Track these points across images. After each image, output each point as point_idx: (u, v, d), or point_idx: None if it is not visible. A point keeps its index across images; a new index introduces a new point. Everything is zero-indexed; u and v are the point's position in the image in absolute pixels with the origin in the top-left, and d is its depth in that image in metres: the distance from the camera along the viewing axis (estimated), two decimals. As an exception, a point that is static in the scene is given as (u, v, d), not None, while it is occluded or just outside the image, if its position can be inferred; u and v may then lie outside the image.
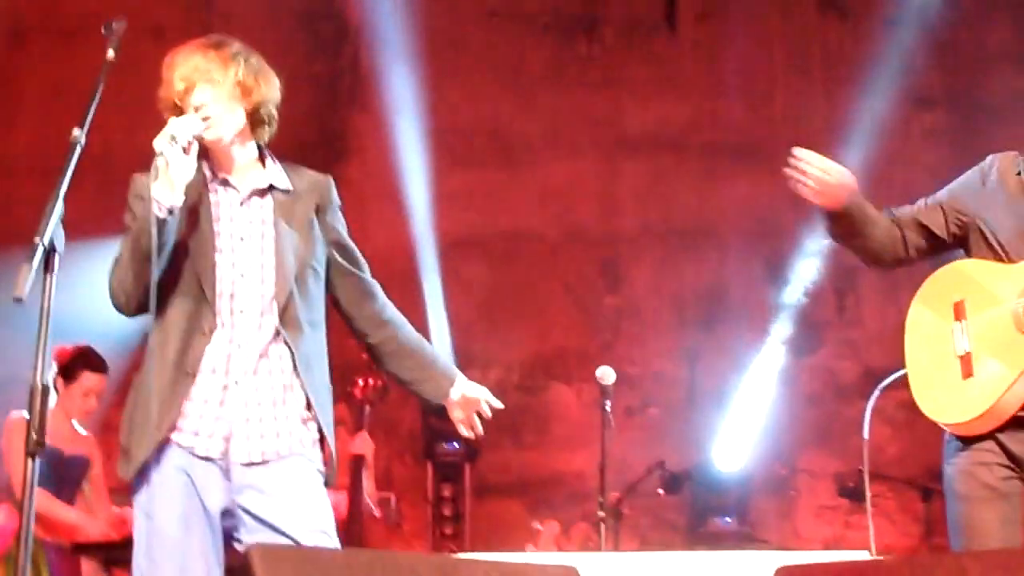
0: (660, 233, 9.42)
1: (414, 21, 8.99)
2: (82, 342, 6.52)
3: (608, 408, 7.20)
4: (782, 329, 9.14)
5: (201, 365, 3.87)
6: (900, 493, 8.35)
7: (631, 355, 9.22)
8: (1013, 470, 4.01)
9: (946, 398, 4.10)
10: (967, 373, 4.07)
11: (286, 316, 3.94)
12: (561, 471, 9.03)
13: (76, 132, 3.58)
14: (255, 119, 4.03)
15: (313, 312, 4.02)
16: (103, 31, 3.79)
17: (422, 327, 7.67)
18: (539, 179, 9.40)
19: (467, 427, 4.16)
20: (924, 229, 4.29)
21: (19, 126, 9.27)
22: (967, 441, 4.05)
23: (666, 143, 9.47)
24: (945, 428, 4.12)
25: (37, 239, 3.34)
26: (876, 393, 4.24)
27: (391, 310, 4.19)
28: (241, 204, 4.00)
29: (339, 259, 4.11)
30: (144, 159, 3.76)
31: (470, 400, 4.14)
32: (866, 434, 4.28)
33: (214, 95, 3.94)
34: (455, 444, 8.66)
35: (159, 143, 3.75)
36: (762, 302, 9.24)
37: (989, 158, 4.29)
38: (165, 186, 3.76)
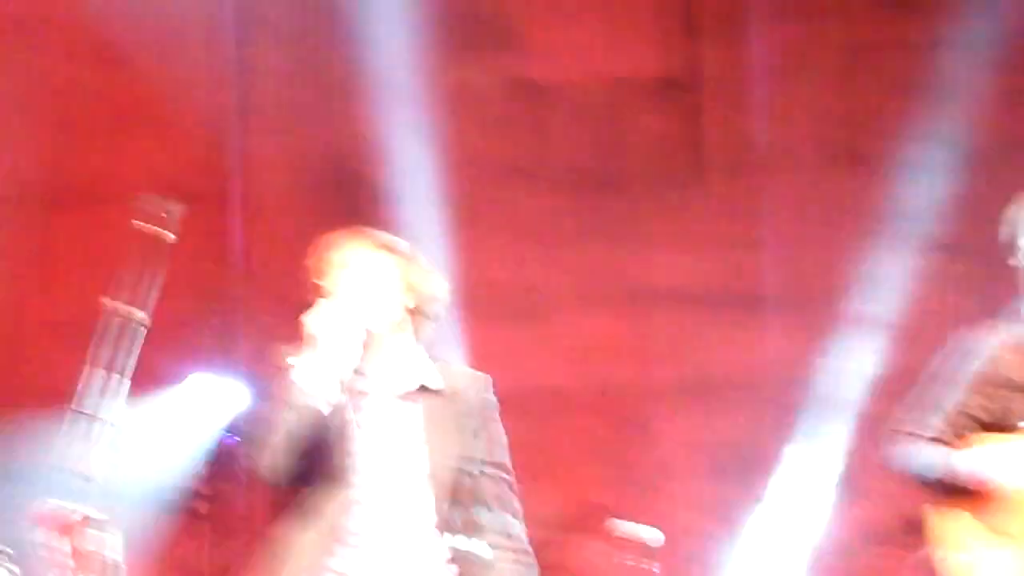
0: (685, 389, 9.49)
1: (439, 180, 9.15)
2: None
3: (649, 567, 7.27)
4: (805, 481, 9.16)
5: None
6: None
7: (658, 511, 9.21)
8: None
9: None
10: None
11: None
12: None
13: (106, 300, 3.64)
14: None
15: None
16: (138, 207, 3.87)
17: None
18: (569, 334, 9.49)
19: None
20: None
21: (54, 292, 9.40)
22: None
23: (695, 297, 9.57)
24: None
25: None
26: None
27: None
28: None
29: None
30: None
31: None
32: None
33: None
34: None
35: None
36: (784, 455, 9.25)
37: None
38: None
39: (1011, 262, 4.43)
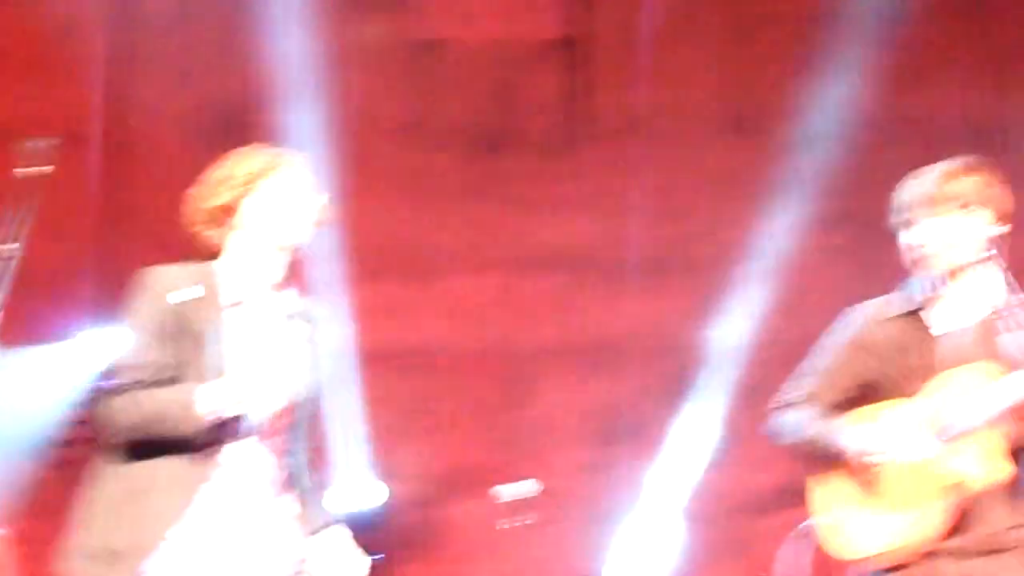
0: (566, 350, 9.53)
1: (330, 135, 9.09)
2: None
3: (509, 525, 7.32)
4: (683, 445, 9.24)
5: None
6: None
7: (536, 470, 9.26)
8: None
9: None
10: None
11: None
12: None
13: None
14: None
15: None
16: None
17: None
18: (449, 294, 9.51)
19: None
20: None
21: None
22: None
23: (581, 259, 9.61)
24: None
25: None
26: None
27: None
28: None
29: None
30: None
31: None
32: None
33: None
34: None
35: None
36: (663, 419, 9.33)
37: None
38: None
39: (900, 241, 4.53)
